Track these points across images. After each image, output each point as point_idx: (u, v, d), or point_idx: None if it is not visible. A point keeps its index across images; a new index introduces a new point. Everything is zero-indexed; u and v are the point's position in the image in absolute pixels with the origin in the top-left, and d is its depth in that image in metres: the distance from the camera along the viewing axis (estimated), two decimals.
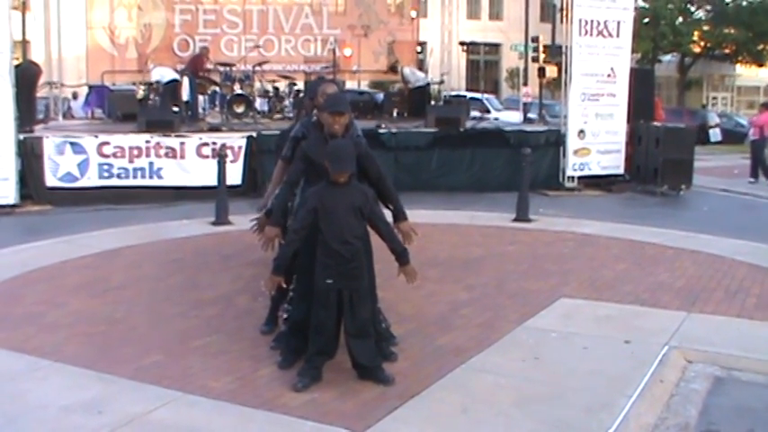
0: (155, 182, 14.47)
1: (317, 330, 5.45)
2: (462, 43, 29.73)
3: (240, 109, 18.50)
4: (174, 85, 18.75)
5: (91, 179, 14.16)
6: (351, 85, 29.03)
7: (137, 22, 21.57)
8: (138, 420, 4.90)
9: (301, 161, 5.77)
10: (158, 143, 14.51)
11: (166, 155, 14.52)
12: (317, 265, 5.40)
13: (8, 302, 7.53)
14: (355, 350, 5.50)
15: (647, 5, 43.21)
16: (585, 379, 5.69)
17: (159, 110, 17.60)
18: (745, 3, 44.69)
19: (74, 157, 14.06)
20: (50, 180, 13.98)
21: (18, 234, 11.12)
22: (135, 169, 14.39)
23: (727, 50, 46.46)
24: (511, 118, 27.85)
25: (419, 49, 25.09)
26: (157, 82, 19.00)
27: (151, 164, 14.45)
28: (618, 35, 16.87)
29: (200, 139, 14.87)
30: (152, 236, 10.89)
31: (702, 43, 46.78)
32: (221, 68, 19.54)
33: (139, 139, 14.54)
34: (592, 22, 16.62)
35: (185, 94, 18.72)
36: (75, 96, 25.40)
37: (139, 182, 14.40)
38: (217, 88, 20.02)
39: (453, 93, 28.06)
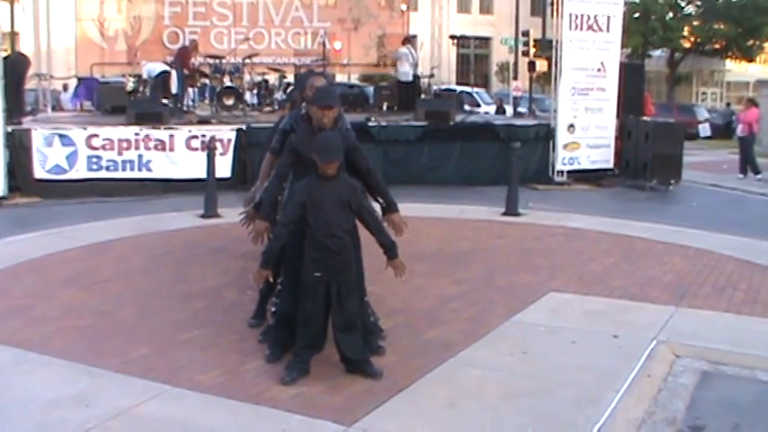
0: (144, 174, 14.41)
1: (305, 324, 5.44)
2: (452, 37, 29.74)
3: (230, 101, 18.47)
4: (164, 76, 18.69)
5: (79, 171, 14.10)
6: (341, 78, 29.00)
7: (126, 14, 21.51)
8: (126, 414, 4.89)
9: (290, 154, 5.76)
10: (147, 136, 14.46)
11: (155, 147, 14.47)
12: (306, 259, 5.39)
13: None
14: (343, 344, 5.50)
15: (637, 0, 43.26)
16: (573, 373, 5.71)
17: (148, 102, 17.53)
18: None
19: (62, 150, 13.99)
20: (39, 172, 13.91)
21: (6, 226, 11.07)
22: (124, 162, 14.33)
23: (716, 46, 46.55)
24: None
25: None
26: (147, 77, 18.93)
27: (140, 156, 14.40)
28: (608, 30, 16.90)
29: (190, 131, 14.82)
30: (141, 228, 10.86)
31: (692, 38, 46.87)
32: (211, 61, 19.49)
33: (128, 132, 14.48)
34: (582, 16, 16.64)
35: (173, 87, 18.66)
36: (65, 88, 25.29)
37: (128, 174, 14.34)
38: (206, 81, 19.97)
39: (443, 86, 28.04)
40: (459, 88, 32.70)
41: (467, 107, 25.05)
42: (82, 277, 8.24)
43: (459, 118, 17.93)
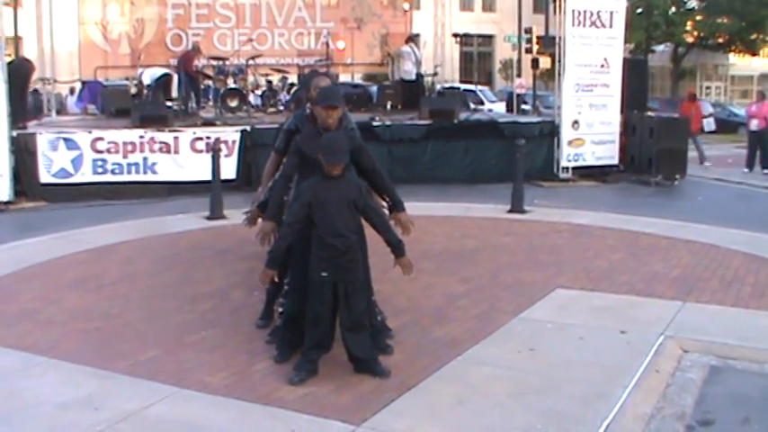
0: (149, 177, 14.44)
1: (313, 324, 5.44)
2: (456, 35, 29.64)
3: (234, 103, 18.47)
4: (165, 79, 18.71)
5: (85, 175, 14.13)
6: (344, 77, 28.98)
7: (129, 17, 21.49)
8: (135, 416, 4.90)
9: (295, 155, 5.76)
10: (152, 138, 14.49)
11: (160, 150, 14.50)
12: (312, 259, 5.39)
13: (3, 299, 7.52)
14: (351, 343, 5.50)
15: None
16: (581, 369, 5.70)
17: (153, 105, 17.54)
18: None
19: (67, 153, 14.03)
20: (44, 176, 13.95)
21: (12, 231, 11.10)
22: (129, 164, 14.37)
23: (720, 40, 46.49)
24: (505, 109, 27.89)
25: None
26: (149, 86, 18.96)
27: (145, 159, 14.43)
28: (611, 25, 16.88)
29: (194, 133, 14.84)
30: (147, 231, 10.87)
31: (695, 33, 46.81)
32: (214, 63, 19.51)
33: (133, 135, 14.50)
34: (585, 12, 16.64)
35: (174, 90, 18.69)
36: (71, 92, 25.31)
37: (134, 177, 14.38)
38: (210, 82, 19.99)
39: (447, 85, 28.01)
40: (463, 86, 32.65)
41: (471, 105, 25.04)
42: (89, 280, 8.25)
43: (463, 116, 17.90)
